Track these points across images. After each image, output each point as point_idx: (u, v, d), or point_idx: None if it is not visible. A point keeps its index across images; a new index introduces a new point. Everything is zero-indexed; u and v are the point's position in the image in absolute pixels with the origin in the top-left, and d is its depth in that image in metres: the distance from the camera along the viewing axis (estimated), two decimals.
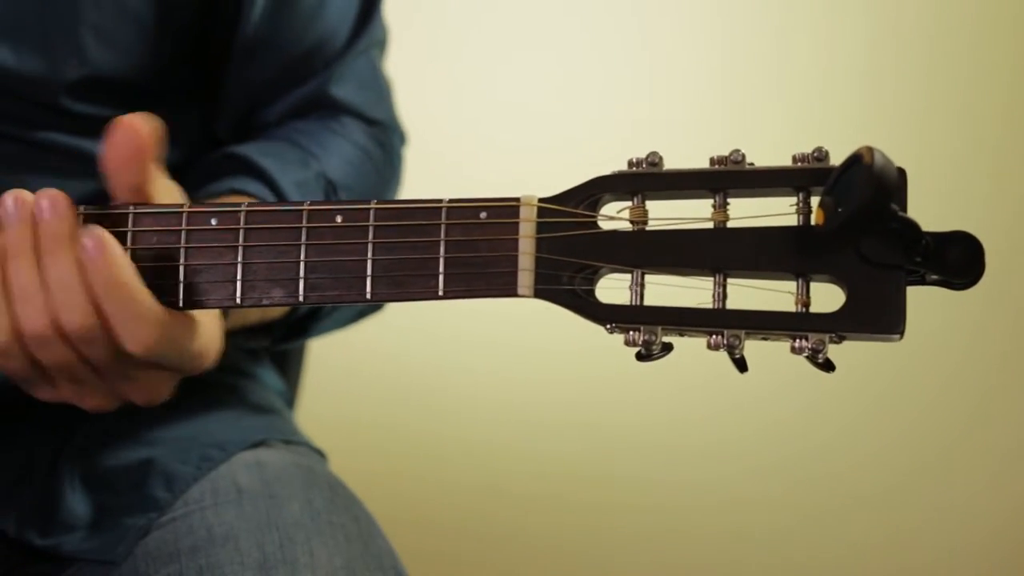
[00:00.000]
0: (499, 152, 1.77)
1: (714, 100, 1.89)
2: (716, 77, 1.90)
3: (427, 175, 1.22)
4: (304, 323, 1.02)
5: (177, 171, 1.02)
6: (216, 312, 0.79)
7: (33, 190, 0.93)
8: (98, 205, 0.76)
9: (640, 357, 0.70)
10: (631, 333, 0.69)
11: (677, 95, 1.90)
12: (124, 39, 0.93)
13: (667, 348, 0.70)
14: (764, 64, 1.89)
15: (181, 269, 0.73)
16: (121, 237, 0.74)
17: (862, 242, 0.66)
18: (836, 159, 0.68)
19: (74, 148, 0.95)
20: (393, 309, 1.15)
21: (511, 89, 1.89)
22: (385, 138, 1.09)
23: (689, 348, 0.71)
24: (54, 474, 0.96)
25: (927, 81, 1.89)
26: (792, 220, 0.68)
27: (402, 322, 1.77)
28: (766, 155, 0.70)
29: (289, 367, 1.22)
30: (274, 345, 1.04)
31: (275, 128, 1.05)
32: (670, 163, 0.70)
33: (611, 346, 0.71)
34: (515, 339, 1.81)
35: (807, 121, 1.80)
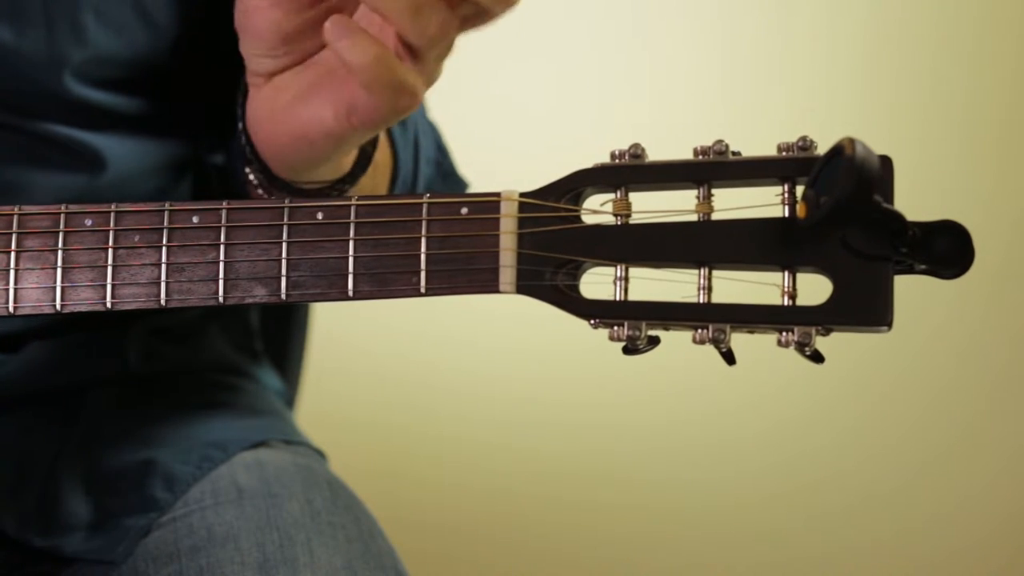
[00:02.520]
0: (497, 152, 1.77)
1: (713, 99, 1.89)
2: (715, 76, 1.89)
3: None
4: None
5: (181, 166, 1.03)
6: None
7: (26, 183, 0.94)
8: (82, 204, 0.75)
9: (627, 351, 0.69)
10: (615, 328, 0.68)
11: (676, 94, 1.89)
12: (125, 22, 0.93)
13: (654, 342, 0.69)
14: (763, 62, 1.89)
15: (163, 268, 0.73)
16: (104, 236, 0.74)
17: (848, 233, 0.65)
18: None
19: (73, 140, 0.95)
20: (393, 309, 1.15)
21: (510, 89, 1.88)
22: None
23: (690, 348, 0.71)
24: (54, 474, 0.96)
25: (927, 76, 1.89)
26: (778, 210, 0.68)
27: (402, 322, 1.77)
28: (764, 152, 0.69)
29: (289, 367, 1.22)
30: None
31: None
32: (668, 157, 0.70)
33: (611, 346, 0.71)
34: (516, 339, 1.81)
35: (806, 119, 1.80)
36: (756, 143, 0.71)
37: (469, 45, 2.05)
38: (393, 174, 0.98)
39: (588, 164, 0.71)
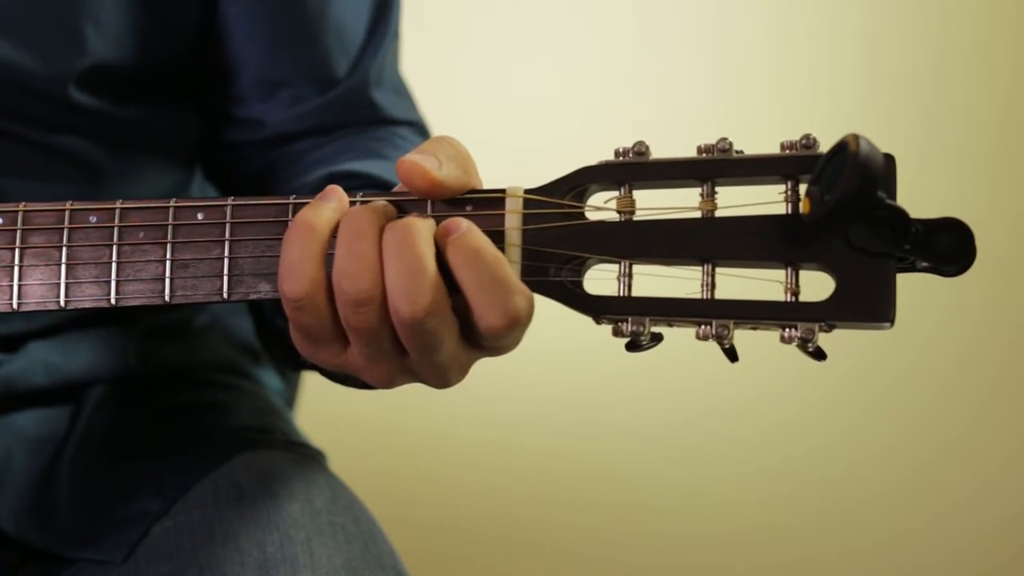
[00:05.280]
0: (498, 153, 1.76)
1: (714, 98, 1.89)
2: (716, 75, 1.90)
3: None
4: None
5: (159, 176, 1.03)
6: None
7: (25, 193, 0.94)
8: (86, 200, 0.75)
9: (630, 347, 0.69)
10: (619, 324, 0.68)
11: (677, 93, 1.89)
12: (124, 33, 0.94)
13: (656, 338, 0.69)
14: (763, 61, 1.89)
15: (167, 264, 0.73)
16: (108, 232, 0.74)
17: (851, 230, 0.66)
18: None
19: (73, 150, 0.95)
20: None
21: (511, 89, 1.88)
22: None
23: (691, 348, 0.71)
24: (54, 474, 0.96)
25: (928, 74, 1.89)
26: (781, 208, 0.68)
27: None
28: (766, 151, 0.69)
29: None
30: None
31: (335, 143, 1.03)
32: (672, 154, 0.70)
33: (612, 345, 0.71)
34: None
35: (807, 117, 1.80)
36: (756, 139, 0.71)
37: (471, 45, 2.04)
38: None
39: (590, 161, 0.71)
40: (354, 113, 1.03)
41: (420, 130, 1.07)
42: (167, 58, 0.98)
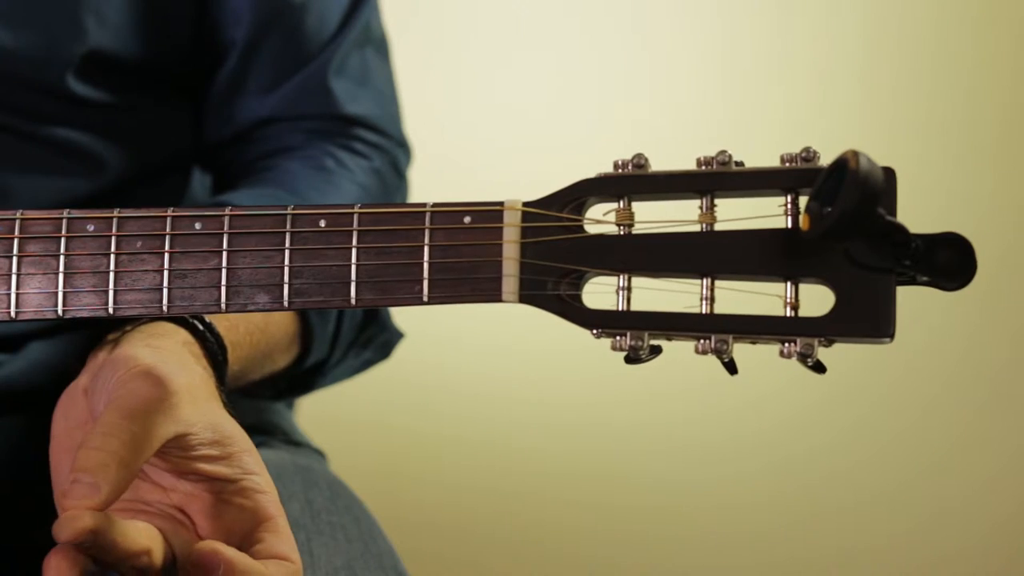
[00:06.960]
0: (498, 154, 1.76)
1: (714, 102, 1.88)
2: (716, 78, 1.89)
3: (426, 177, 1.22)
4: (308, 378, 1.00)
5: (158, 171, 1.03)
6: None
7: (26, 187, 0.94)
8: (83, 209, 0.75)
9: (629, 360, 0.69)
10: (618, 338, 0.68)
11: (676, 97, 1.89)
12: (124, 24, 0.94)
13: (656, 351, 0.69)
14: (764, 65, 1.88)
15: (165, 274, 0.73)
16: (106, 242, 0.73)
17: (851, 245, 0.66)
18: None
19: (72, 142, 0.95)
20: (393, 309, 1.15)
21: (510, 90, 1.88)
22: (387, 161, 1.07)
23: (690, 349, 0.71)
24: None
25: (926, 82, 1.88)
26: (781, 221, 0.68)
27: (402, 322, 1.77)
28: (766, 158, 0.69)
29: None
30: (279, 397, 1.02)
31: (271, 159, 1.03)
32: (671, 166, 0.70)
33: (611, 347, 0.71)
34: (515, 339, 1.80)
35: (807, 123, 1.79)
36: (755, 143, 0.71)
37: (470, 48, 2.04)
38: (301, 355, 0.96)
39: (588, 166, 0.71)
40: (311, 99, 1.03)
41: (373, 133, 1.05)
42: (166, 50, 0.98)
